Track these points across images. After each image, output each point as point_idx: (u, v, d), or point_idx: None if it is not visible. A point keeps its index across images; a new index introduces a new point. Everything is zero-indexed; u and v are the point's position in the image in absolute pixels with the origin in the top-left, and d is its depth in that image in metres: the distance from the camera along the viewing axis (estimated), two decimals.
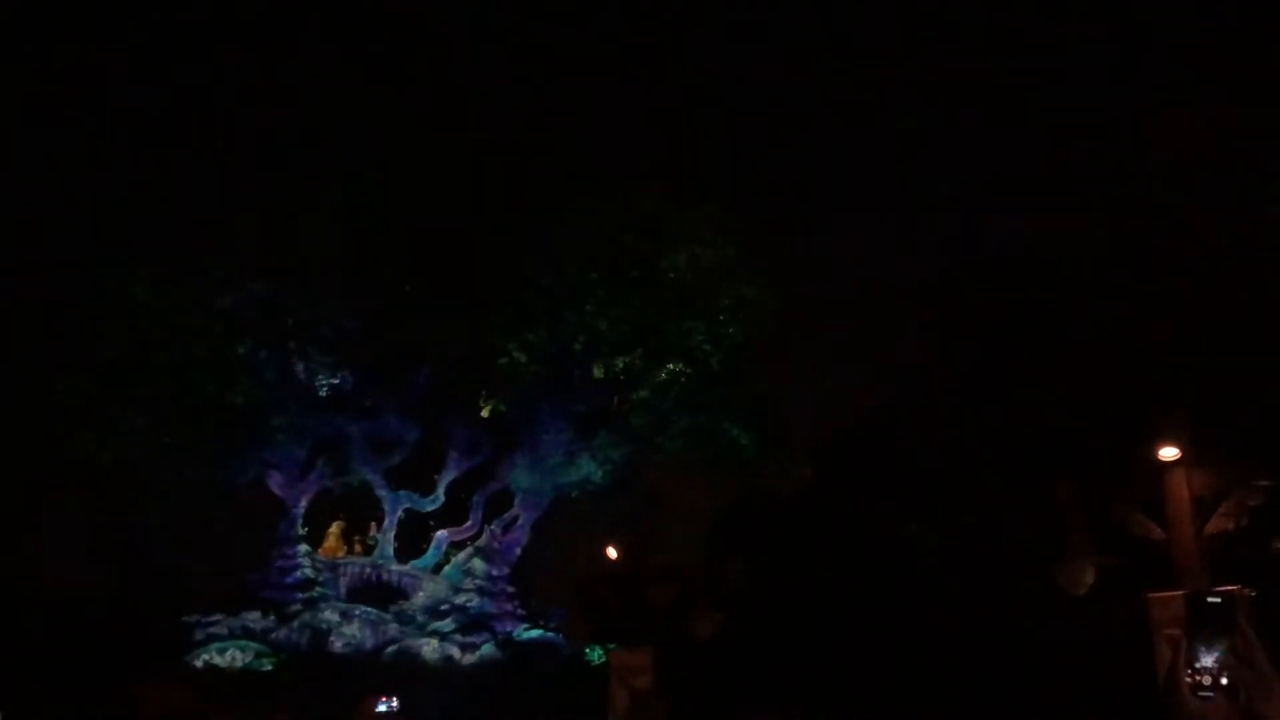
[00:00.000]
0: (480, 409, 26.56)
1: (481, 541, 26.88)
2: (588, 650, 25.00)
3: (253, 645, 23.14)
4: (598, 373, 25.58)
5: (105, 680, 17.16)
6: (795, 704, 17.41)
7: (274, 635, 23.68)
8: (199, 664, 22.53)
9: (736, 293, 24.49)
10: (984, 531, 18.74)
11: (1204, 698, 10.60)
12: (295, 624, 24.02)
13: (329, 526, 27.29)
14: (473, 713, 21.51)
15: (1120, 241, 18.36)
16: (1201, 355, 16.71)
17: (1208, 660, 10.65)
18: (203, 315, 23.76)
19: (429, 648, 24.41)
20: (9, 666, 18.25)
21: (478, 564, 26.46)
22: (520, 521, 27.13)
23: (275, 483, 25.65)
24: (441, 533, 27.23)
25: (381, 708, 17.56)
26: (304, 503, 25.91)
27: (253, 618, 23.80)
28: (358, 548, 27.30)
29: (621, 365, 25.45)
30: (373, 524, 27.49)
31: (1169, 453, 16.28)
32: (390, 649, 24.36)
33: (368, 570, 26.30)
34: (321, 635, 24.08)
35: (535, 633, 25.84)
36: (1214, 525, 16.69)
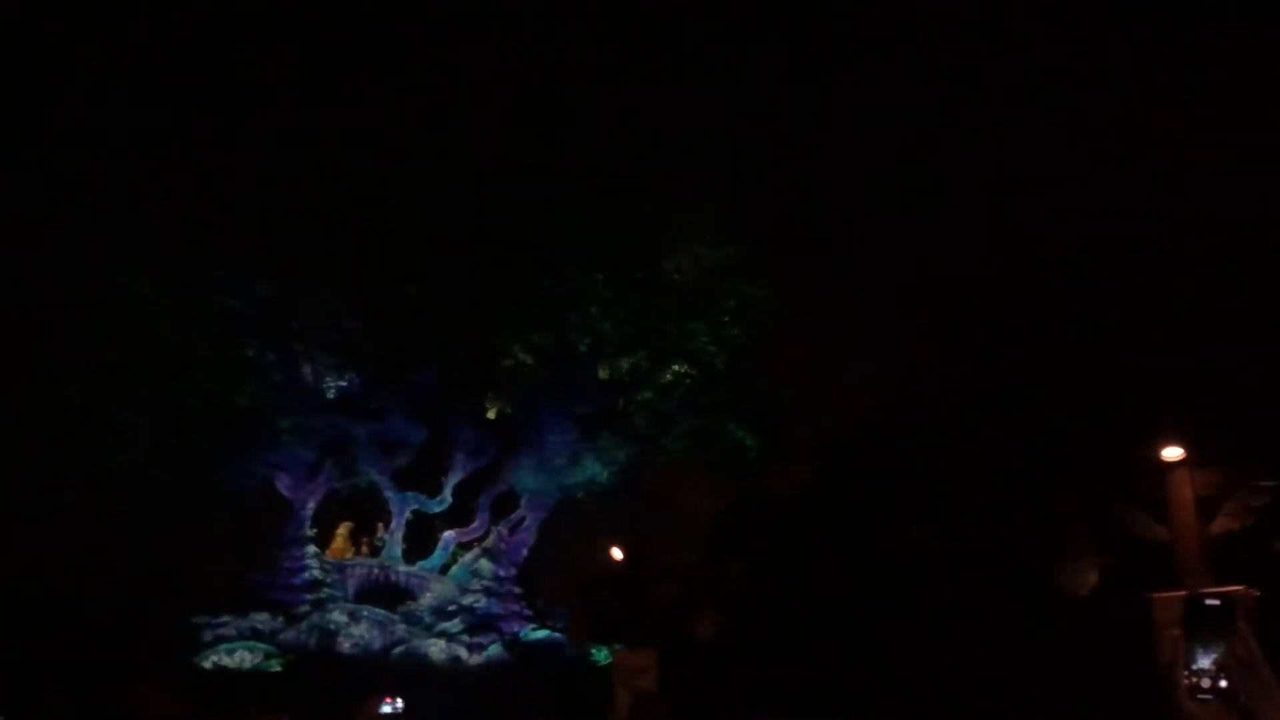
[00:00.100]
0: (486, 410, 26.64)
1: (488, 542, 26.95)
2: (593, 651, 25.08)
3: (261, 646, 23.29)
4: (602, 374, 25.63)
5: (112, 682, 17.26)
6: (797, 704, 17.40)
7: (282, 636, 23.84)
8: (208, 665, 22.74)
9: (739, 293, 24.51)
10: (985, 532, 18.71)
11: (1201, 700, 10.55)
12: (303, 625, 24.16)
13: (337, 528, 27.37)
14: (476, 713, 21.58)
15: (1121, 240, 18.30)
16: (1204, 354, 16.64)
17: (1205, 662, 10.59)
18: (209, 316, 23.92)
19: (436, 648, 24.51)
20: (11, 667, 18.40)
21: (485, 565, 26.54)
22: (527, 522, 27.20)
23: (283, 484, 25.78)
24: (449, 533, 27.29)
25: (385, 709, 17.60)
26: (312, 504, 26.01)
27: (261, 619, 23.95)
28: (365, 549, 27.40)
29: (626, 366, 25.50)
30: (380, 525, 27.58)
31: (1172, 452, 16.20)
32: (398, 650, 24.49)
33: (375, 571, 26.41)
34: (330, 636, 24.22)
35: (542, 633, 25.92)
36: (1218, 525, 16.62)
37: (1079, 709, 15.73)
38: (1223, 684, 10.56)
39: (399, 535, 26.68)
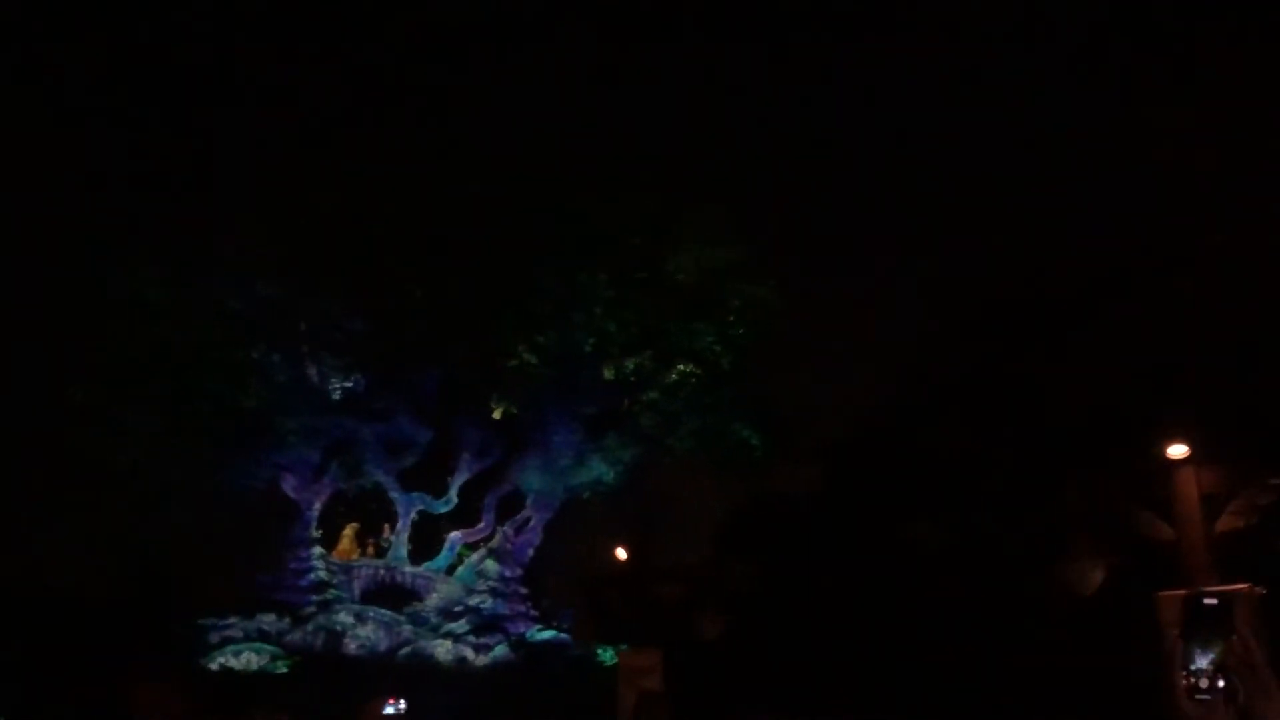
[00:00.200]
0: (491, 411, 26.66)
1: (494, 543, 26.94)
2: (599, 651, 25.08)
3: (267, 648, 23.29)
4: (607, 374, 25.62)
5: (113, 683, 17.32)
6: (802, 704, 17.38)
7: (288, 638, 23.84)
8: (214, 666, 22.79)
9: (744, 293, 24.49)
10: (990, 532, 18.67)
11: (1200, 700, 10.48)
12: (309, 626, 24.17)
13: (342, 529, 27.39)
14: (482, 714, 21.59)
15: (1125, 240, 18.26)
16: (1208, 352, 16.59)
17: (1203, 662, 10.51)
18: (212, 316, 23.98)
19: (442, 649, 24.51)
20: (11, 667, 18.45)
21: (491, 565, 26.55)
22: (532, 523, 27.20)
23: (288, 485, 25.82)
24: (454, 534, 27.31)
25: (389, 710, 17.63)
26: (317, 505, 26.05)
27: (267, 620, 23.97)
28: (371, 550, 27.43)
29: (631, 367, 25.49)
30: (386, 526, 27.61)
31: (1177, 450, 16.19)
32: (404, 651, 24.50)
33: (381, 572, 26.43)
34: (336, 637, 24.22)
35: (548, 634, 25.94)
36: (1224, 524, 16.58)
37: (1084, 709, 15.68)
38: (1221, 684, 10.48)
39: (405, 536, 26.71)
